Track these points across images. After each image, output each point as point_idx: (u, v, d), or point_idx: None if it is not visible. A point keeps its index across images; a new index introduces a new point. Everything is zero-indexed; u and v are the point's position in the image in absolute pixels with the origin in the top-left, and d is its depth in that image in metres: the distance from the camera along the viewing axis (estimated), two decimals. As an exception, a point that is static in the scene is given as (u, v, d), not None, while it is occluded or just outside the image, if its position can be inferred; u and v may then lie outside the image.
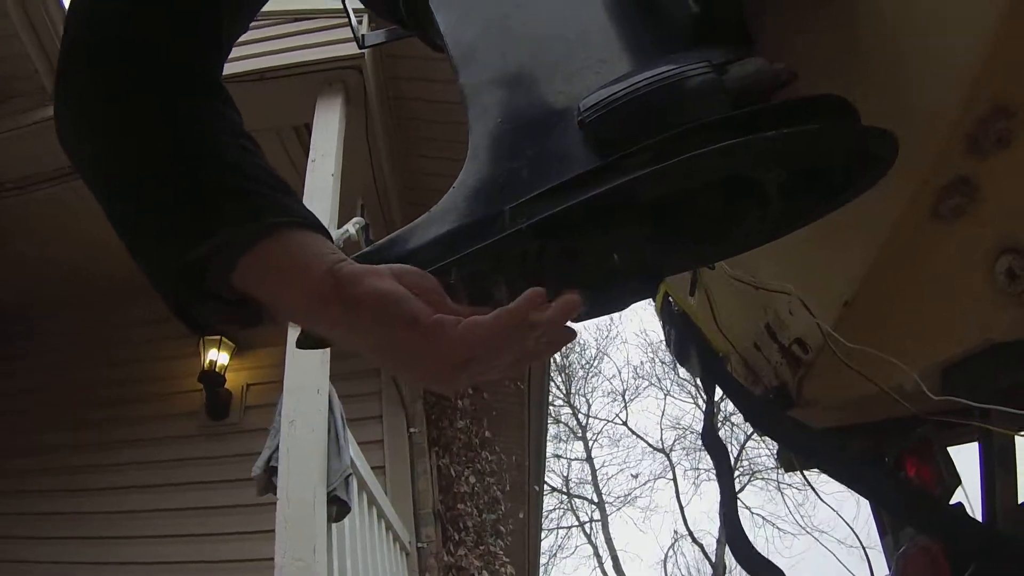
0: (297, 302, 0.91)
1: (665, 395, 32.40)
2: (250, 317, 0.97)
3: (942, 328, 1.72)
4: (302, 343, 1.13)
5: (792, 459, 2.34)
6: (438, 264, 1.12)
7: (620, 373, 43.58)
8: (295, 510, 4.33)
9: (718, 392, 2.23)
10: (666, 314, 2.48)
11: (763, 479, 27.57)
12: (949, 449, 2.05)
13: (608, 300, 1.23)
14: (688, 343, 2.34)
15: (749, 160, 1.19)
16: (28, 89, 6.35)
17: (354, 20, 2.36)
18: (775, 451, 3.36)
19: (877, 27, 1.43)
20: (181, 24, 1.04)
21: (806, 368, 1.94)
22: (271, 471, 4.70)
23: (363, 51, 5.81)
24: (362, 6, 2.06)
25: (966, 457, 2.00)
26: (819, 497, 2.33)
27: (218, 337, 8.05)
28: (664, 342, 2.57)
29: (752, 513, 27.34)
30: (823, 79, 1.55)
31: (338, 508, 4.68)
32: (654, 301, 2.56)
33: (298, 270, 0.90)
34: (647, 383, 31.75)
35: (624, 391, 31.58)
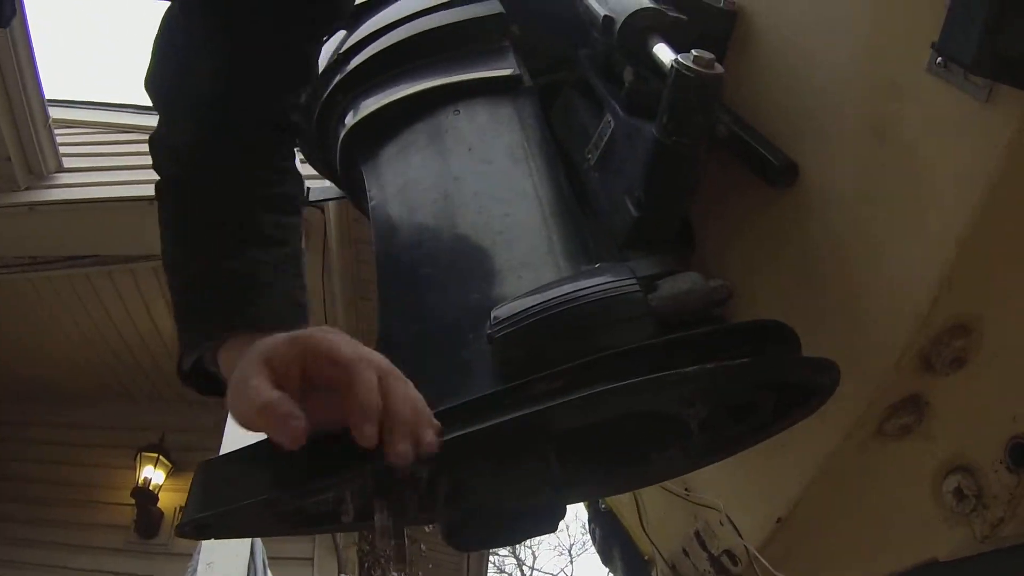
0: None
1: (612, 552, 31.89)
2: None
3: (883, 544, 1.63)
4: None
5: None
6: (322, 483, 1.02)
7: (568, 527, 43.35)
8: (208, 657, 4.13)
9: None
10: (592, 511, 2.39)
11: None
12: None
13: (501, 534, 1.12)
14: (612, 544, 2.24)
15: (664, 397, 1.09)
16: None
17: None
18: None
19: (828, 241, 1.37)
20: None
21: (736, 580, 1.84)
22: (186, 611, 4.52)
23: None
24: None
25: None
26: None
27: (155, 455, 7.88)
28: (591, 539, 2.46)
29: None
30: (766, 294, 1.49)
31: (254, 657, 4.47)
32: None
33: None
34: (603, 565, 31.20)
35: (571, 546, 31.15)
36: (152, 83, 1.35)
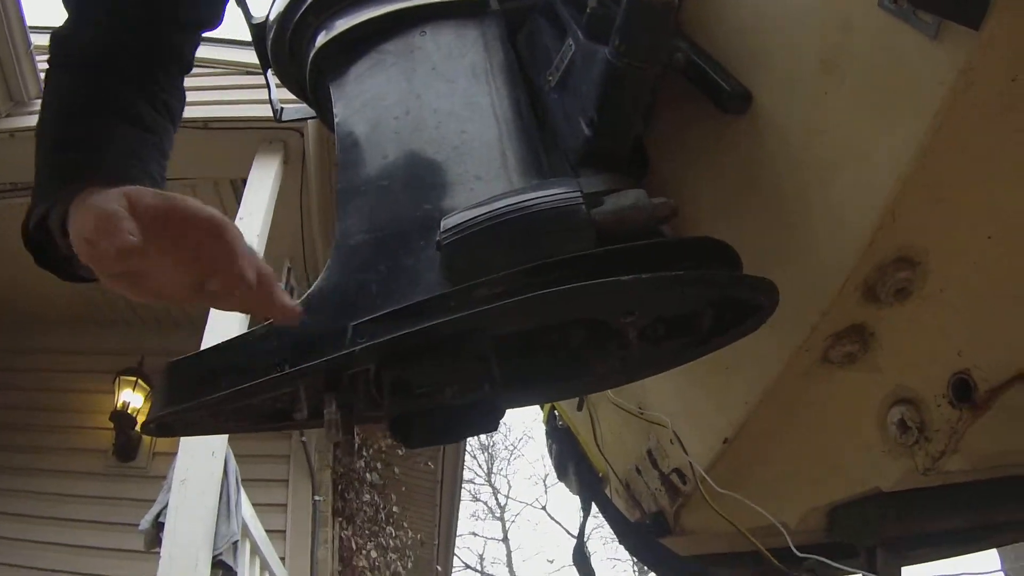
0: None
1: (587, 483, 32.16)
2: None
3: (831, 471, 1.68)
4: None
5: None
6: (273, 376, 1.07)
7: (543, 457, 43.78)
8: (177, 571, 4.22)
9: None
10: (550, 427, 2.43)
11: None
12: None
13: (444, 431, 1.16)
14: (568, 460, 2.29)
15: (601, 304, 1.13)
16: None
17: (275, 92, 2.31)
18: None
19: (779, 164, 1.39)
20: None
21: (684, 498, 1.90)
22: (159, 527, 4.58)
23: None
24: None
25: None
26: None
27: (134, 378, 7.91)
28: (548, 454, 2.50)
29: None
30: (716, 218, 1.51)
31: (224, 573, 4.55)
32: (541, 411, 2.51)
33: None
34: (558, 480, 31.50)
35: (546, 476, 31.42)
36: None
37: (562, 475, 2.36)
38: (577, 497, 2.27)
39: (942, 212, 1.22)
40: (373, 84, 1.58)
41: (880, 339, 1.40)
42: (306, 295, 1.19)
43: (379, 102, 1.53)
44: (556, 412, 2.40)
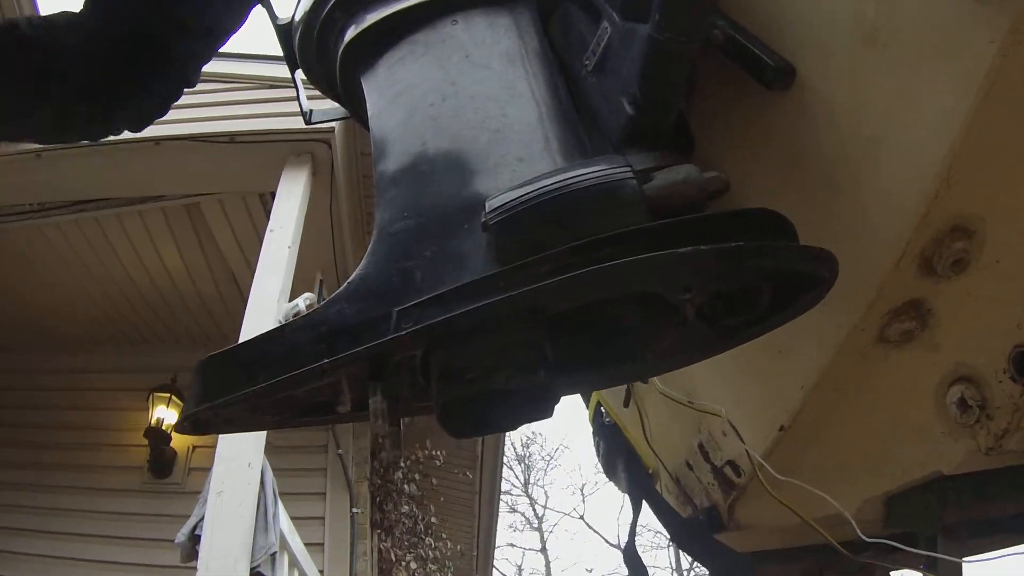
0: None
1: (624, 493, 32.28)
2: None
3: (887, 457, 1.62)
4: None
5: (723, 583, 2.22)
6: (314, 365, 1.03)
7: (580, 467, 44.15)
8: (214, 583, 4.19)
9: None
10: (597, 424, 2.39)
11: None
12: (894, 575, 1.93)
13: (497, 419, 1.12)
14: (616, 457, 2.25)
15: (657, 278, 1.09)
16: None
17: (303, 95, 2.29)
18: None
19: (826, 139, 1.35)
20: None
21: (739, 491, 1.85)
22: (195, 539, 4.58)
23: (333, 125, 5.79)
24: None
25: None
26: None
27: (168, 395, 7.97)
28: (595, 452, 2.46)
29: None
30: (766, 193, 1.47)
31: (262, 585, 4.50)
32: (587, 409, 2.47)
33: None
34: (607, 479, 31.68)
35: (583, 486, 31.47)
36: None
37: (611, 473, 2.32)
38: (625, 496, 2.23)
39: (996, 177, 1.18)
40: (406, 74, 1.56)
41: (938, 315, 1.36)
42: (345, 285, 1.16)
43: (413, 91, 1.50)
44: (603, 409, 2.36)
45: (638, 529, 2.28)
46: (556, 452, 32.08)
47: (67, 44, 1.42)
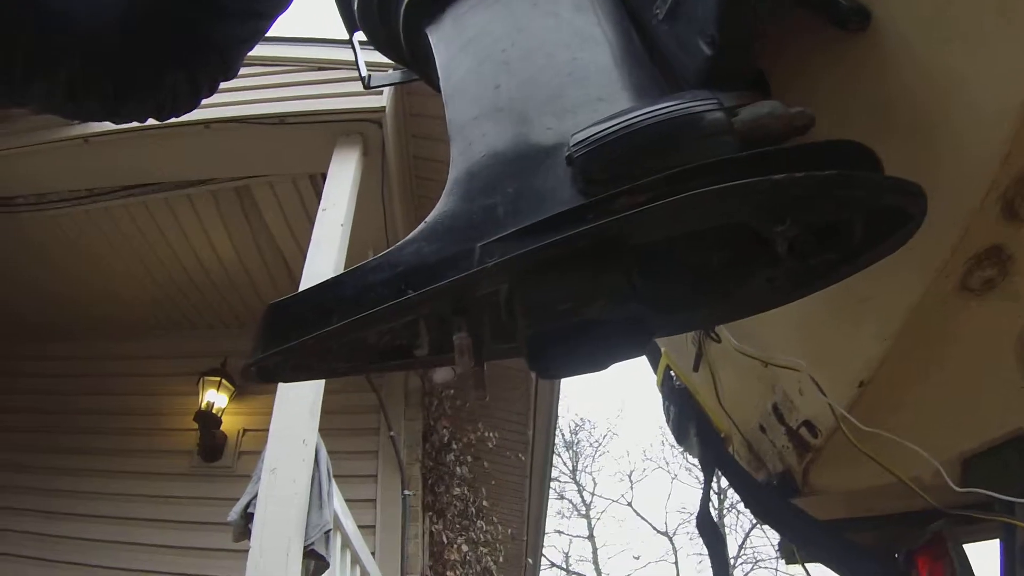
0: None
1: (672, 479, 32.26)
2: None
3: (967, 415, 1.58)
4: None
5: (794, 551, 2.18)
6: (394, 301, 1.00)
7: (628, 454, 44.26)
8: (268, 561, 4.11)
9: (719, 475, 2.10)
10: (667, 389, 2.35)
11: (766, 568, 26.95)
12: (966, 546, 1.86)
13: (586, 358, 1.08)
14: (688, 421, 2.21)
15: (752, 206, 1.05)
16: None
17: (362, 60, 2.27)
18: (778, 541, 3.21)
19: (905, 77, 1.31)
20: None
21: (814, 453, 1.80)
22: (248, 518, 4.51)
23: (383, 107, 5.77)
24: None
25: (986, 554, 1.83)
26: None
27: (218, 379, 8.00)
28: (664, 418, 2.42)
29: (754, 603, 26.72)
30: (844, 131, 1.43)
31: (315, 564, 4.47)
32: (655, 374, 2.42)
33: None
34: (655, 466, 31.77)
35: (631, 472, 31.43)
36: None
37: (682, 438, 2.28)
38: (672, 482, 2.20)
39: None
40: (474, 23, 1.54)
41: (1018, 262, 1.32)
42: (420, 227, 1.12)
43: (483, 38, 1.49)
44: (672, 373, 2.32)
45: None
46: (604, 439, 31.94)
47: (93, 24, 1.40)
